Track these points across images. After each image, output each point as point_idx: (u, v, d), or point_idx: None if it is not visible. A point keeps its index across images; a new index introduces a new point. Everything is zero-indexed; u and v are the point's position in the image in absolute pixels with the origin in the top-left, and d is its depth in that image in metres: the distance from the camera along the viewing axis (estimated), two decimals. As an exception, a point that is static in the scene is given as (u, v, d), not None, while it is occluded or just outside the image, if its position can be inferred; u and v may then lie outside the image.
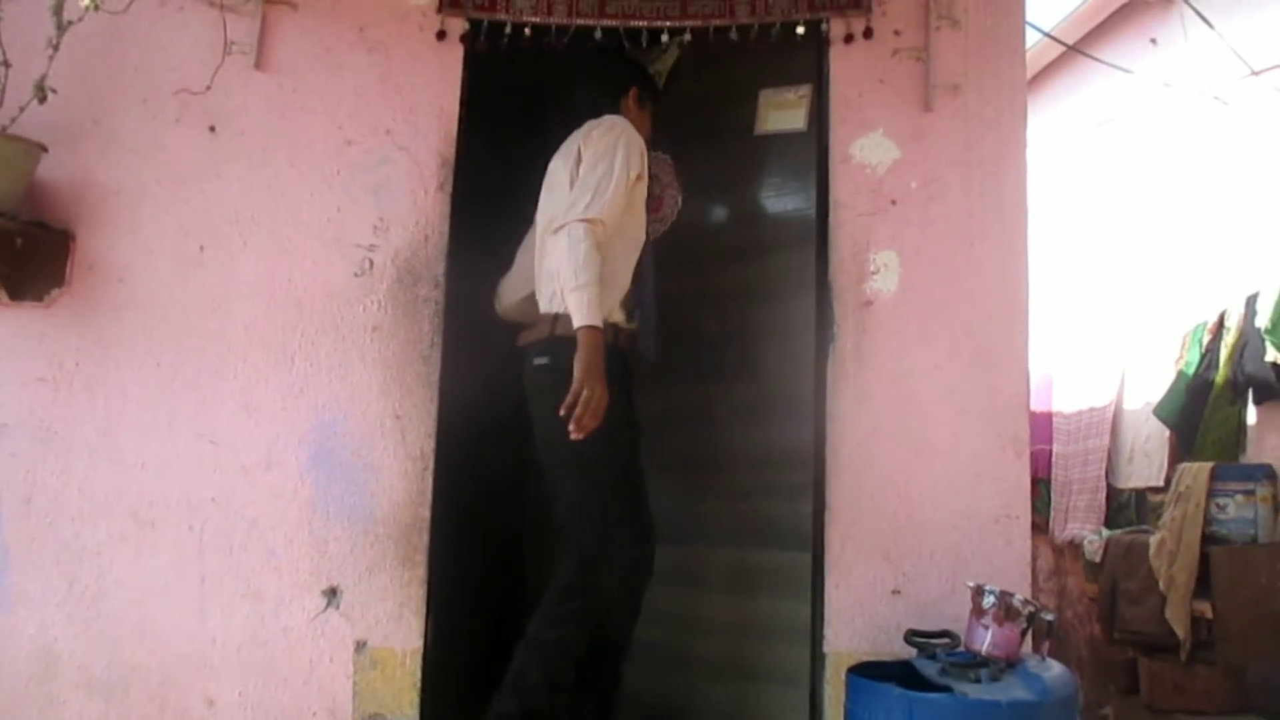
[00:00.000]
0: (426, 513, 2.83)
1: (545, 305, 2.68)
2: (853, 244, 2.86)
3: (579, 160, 2.66)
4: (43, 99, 2.81)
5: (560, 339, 2.53)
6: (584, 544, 2.52)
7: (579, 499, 2.54)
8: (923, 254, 2.85)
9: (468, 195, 3.03)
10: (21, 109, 2.81)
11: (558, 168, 2.77)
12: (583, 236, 2.48)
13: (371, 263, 2.93)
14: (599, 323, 2.46)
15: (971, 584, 2.43)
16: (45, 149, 2.88)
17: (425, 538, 2.83)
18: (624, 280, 2.66)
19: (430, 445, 2.86)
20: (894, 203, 2.87)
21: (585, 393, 2.41)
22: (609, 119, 2.72)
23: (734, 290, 3.03)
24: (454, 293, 2.96)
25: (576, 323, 2.45)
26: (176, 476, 2.88)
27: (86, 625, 2.84)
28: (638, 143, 2.69)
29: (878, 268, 2.85)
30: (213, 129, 3.00)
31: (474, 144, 3.05)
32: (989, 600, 2.36)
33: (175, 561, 2.85)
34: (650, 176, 3.00)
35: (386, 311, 2.91)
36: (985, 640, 2.34)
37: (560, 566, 2.52)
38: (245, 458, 2.88)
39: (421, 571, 2.81)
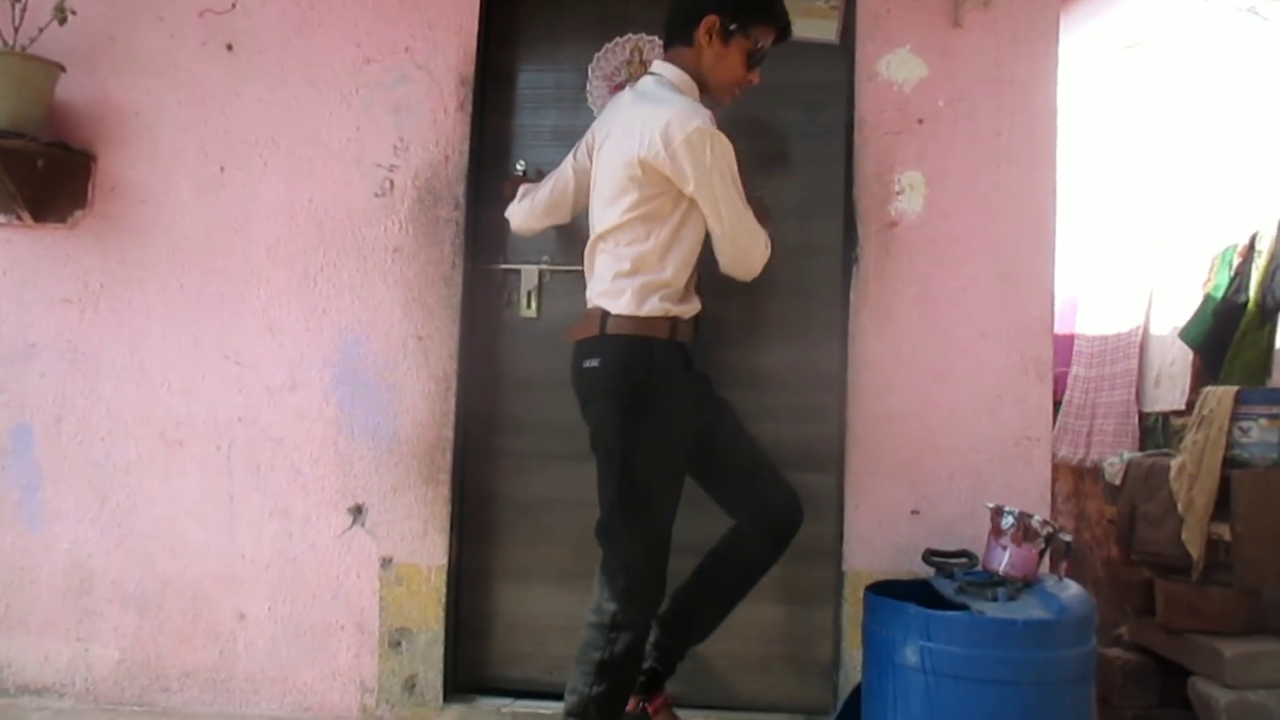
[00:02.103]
0: (450, 433, 2.86)
1: (594, 299, 2.41)
2: (877, 164, 2.82)
3: (674, 166, 2.26)
4: (63, 21, 2.79)
5: (610, 338, 2.34)
6: (629, 566, 2.32)
7: (622, 514, 2.33)
8: (949, 174, 2.80)
9: (488, 115, 3.00)
10: (41, 30, 2.79)
11: (621, 159, 2.32)
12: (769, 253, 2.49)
13: (392, 183, 2.92)
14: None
15: (990, 505, 2.43)
16: (63, 69, 2.87)
17: (448, 457, 2.86)
18: (688, 274, 2.42)
19: (453, 366, 2.87)
20: (921, 121, 2.82)
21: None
22: (684, 121, 2.25)
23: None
24: (475, 214, 2.95)
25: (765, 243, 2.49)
26: (203, 397, 2.92)
27: (119, 541, 2.91)
28: (727, 147, 2.31)
29: (903, 188, 2.81)
30: (230, 47, 2.98)
31: (494, 62, 3.02)
32: (1008, 521, 2.37)
33: (203, 480, 2.91)
34: (642, 64, 2.95)
35: (408, 232, 2.91)
36: (1003, 560, 2.36)
37: (602, 577, 2.35)
38: (270, 378, 2.91)
39: (445, 490, 2.85)
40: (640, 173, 2.29)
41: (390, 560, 2.85)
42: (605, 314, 2.36)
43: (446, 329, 2.88)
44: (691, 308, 2.43)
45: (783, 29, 2.48)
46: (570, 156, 2.67)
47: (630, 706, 2.45)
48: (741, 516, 2.57)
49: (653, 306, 2.34)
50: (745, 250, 2.43)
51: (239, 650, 2.87)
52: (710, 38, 2.39)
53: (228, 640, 2.88)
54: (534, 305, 2.95)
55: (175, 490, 2.92)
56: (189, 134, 2.98)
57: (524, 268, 2.96)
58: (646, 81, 2.45)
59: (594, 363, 2.36)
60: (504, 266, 2.98)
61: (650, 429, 2.33)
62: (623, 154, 2.31)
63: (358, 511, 2.87)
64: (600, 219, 2.42)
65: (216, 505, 2.90)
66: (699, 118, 2.27)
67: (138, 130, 2.99)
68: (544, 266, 2.95)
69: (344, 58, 2.95)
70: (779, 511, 2.54)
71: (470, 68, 2.92)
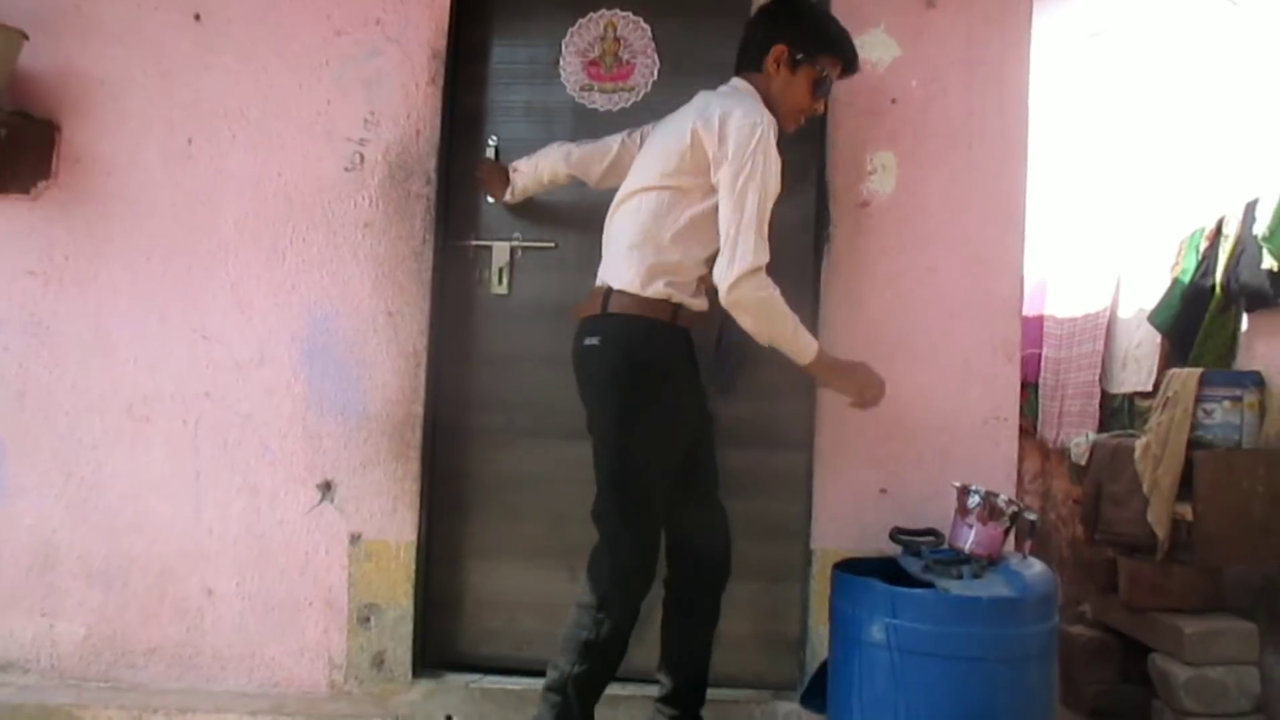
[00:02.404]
0: (419, 409, 2.85)
1: (602, 274, 2.41)
2: (850, 143, 2.82)
3: (719, 145, 2.26)
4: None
5: (611, 317, 2.33)
6: (619, 550, 2.32)
7: (615, 497, 2.33)
8: (921, 155, 2.81)
9: (460, 89, 2.98)
10: (0, -5, 2.74)
11: (675, 129, 2.36)
12: (765, 289, 2.29)
13: (362, 157, 2.89)
14: (814, 350, 2.36)
15: (957, 484, 2.46)
16: (26, 36, 2.82)
17: (418, 434, 2.85)
18: (698, 271, 2.36)
19: (423, 343, 2.86)
20: (893, 101, 2.82)
21: (862, 397, 2.45)
22: (749, 114, 2.28)
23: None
24: (446, 189, 2.93)
25: (801, 362, 2.36)
26: (170, 372, 2.89)
27: (84, 517, 2.89)
28: (775, 158, 2.29)
29: (875, 168, 2.82)
30: (198, 17, 2.94)
31: (466, 36, 2.99)
32: (974, 500, 2.39)
33: (170, 455, 2.88)
34: (616, 40, 2.94)
35: (378, 207, 2.88)
36: (969, 539, 2.38)
37: (594, 559, 2.35)
38: (238, 353, 2.88)
39: (414, 466, 2.85)
40: (688, 142, 2.30)
41: (359, 536, 2.84)
42: (609, 291, 2.35)
43: (417, 305, 2.87)
44: (699, 303, 2.41)
45: (849, 61, 2.49)
46: (624, 132, 2.69)
47: None
48: (678, 551, 2.49)
49: (657, 290, 2.33)
50: (743, 253, 2.26)
51: (206, 626, 2.86)
52: (779, 66, 2.42)
53: (195, 616, 2.86)
54: (505, 282, 2.94)
55: (141, 466, 2.89)
56: (156, 105, 2.93)
57: (495, 244, 2.95)
58: (723, 87, 2.47)
59: (594, 341, 2.35)
60: (475, 243, 2.96)
61: (649, 413, 2.31)
62: (678, 125, 2.36)
63: (326, 488, 2.86)
64: (633, 181, 2.42)
65: (183, 481, 2.88)
66: (766, 122, 2.29)
67: (103, 100, 2.94)
68: (515, 243, 2.94)
69: (314, 30, 2.91)
70: (715, 555, 2.51)
71: (442, 42, 2.89)
